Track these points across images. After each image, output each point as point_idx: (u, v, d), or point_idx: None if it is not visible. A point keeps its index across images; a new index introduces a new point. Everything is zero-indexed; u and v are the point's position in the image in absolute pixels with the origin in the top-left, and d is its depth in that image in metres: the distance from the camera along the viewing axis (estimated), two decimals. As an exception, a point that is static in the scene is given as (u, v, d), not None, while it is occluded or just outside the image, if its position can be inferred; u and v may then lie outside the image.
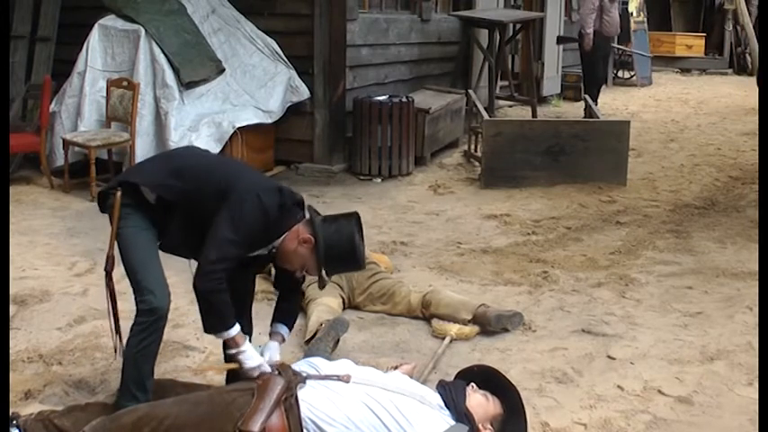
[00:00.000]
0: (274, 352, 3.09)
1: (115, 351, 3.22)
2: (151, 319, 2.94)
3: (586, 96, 9.61)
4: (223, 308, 2.89)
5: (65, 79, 7.28)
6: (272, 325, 3.24)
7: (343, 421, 2.67)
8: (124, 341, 3.06)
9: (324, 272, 2.99)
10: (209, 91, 7.16)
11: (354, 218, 3.04)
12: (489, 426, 2.89)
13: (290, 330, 3.26)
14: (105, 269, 3.10)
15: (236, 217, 2.85)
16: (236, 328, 2.92)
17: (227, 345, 2.98)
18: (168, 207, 2.97)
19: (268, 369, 2.91)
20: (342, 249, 2.95)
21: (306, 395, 2.72)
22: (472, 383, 2.99)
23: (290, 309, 3.27)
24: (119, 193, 2.97)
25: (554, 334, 4.13)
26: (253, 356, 2.93)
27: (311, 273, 3.05)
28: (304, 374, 2.81)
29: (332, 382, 2.79)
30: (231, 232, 2.84)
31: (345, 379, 2.79)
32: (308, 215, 3.03)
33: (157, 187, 2.98)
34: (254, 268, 3.22)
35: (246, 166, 3.39)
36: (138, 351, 2.95)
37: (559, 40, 12.35)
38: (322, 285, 3.12)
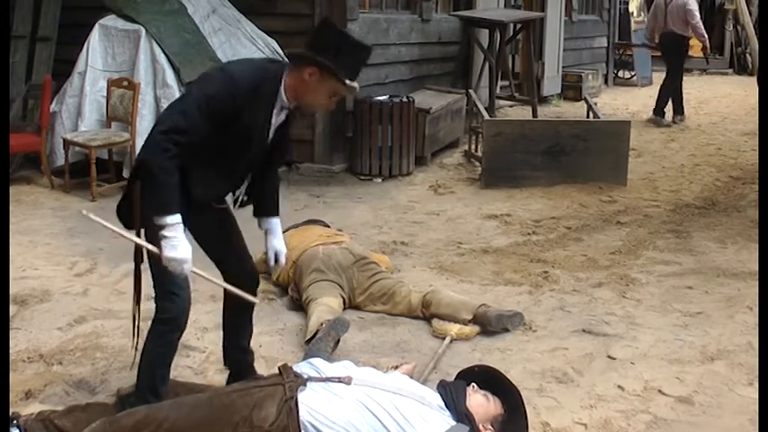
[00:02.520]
0: (279, 241, 3.17)
1: (134, 335, 3.20)
2: (169, 328, 2.92)
3: (586, 96, 9.61)
4: (166, 188, 2.74)
5: (65, 79, 7.28)
6: (261, 221, 3.21)
7: (343, 424, 2.67)
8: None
9: (347, 80, 2.83)
10: (209, 91, 7.15)
11: (327, 23, 3.01)
12: (490, 426, 2.89)
13: (277, 216, 3.22)
14: (135, 261, 3.02)
15: (194, 87, 2.83)
16: (177, 218, 2.75)
17: (160, 229, 2.76)
18: (187, 155, 2.81)
19: (189, 272, 2.81)
20: (339, 47, 2.81)
21: (306, 398, 2.72)
22: (473, 383, 2.98)
23: (270, 196, 3.20)
24: (137, 187, 2.86)
25: (554, 334, 4.13)
26: (179, 247, 2.75)
27: (340, 91, 2.89)
28: (305, 376, 2.80)
29: (333, 384, 2.78)
30: (186, 102, 2.78)
31: (347, 381, 2.78)
32: (285, 59, 2.97)
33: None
34: (283, 143, 3.07)
35: None
36: (153, 357, 2.94)
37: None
38: (352, 91, 2.94)
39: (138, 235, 2.91)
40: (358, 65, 2.89)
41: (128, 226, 2.98)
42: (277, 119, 2.94)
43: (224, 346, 3.42)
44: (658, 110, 11.12)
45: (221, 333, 3.42)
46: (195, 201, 2.91)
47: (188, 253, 2.78)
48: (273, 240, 3.22)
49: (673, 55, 11.07)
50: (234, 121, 2.80)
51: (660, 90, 11.18)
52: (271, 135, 2.96)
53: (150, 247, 2.82)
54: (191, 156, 2.80)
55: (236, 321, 3.32)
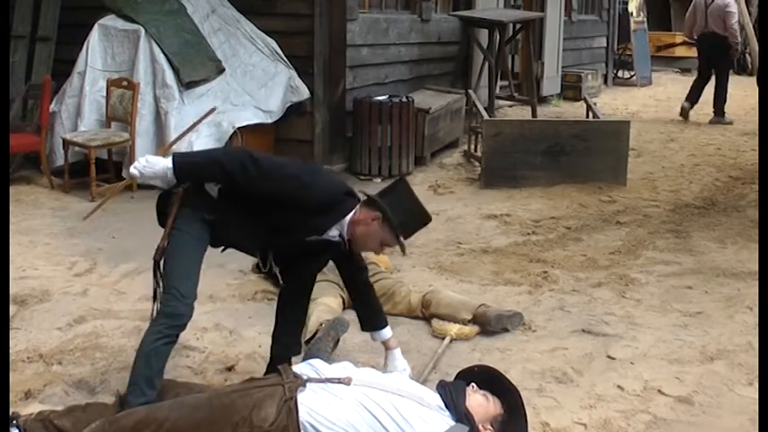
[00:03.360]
0: (400, 362, 3.38)
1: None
2: (172, 323, 2.98)
3: (586, 96, 9.62)
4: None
5: (65, 79, 7.28)
6: (373, 335, 3.45)
7: (343, 425, 2.67)
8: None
9: (401, 238, 3.11)
10: (209, 91, 7.15)
11: (403, 181, 3.30)
12: (489, 426, 2.89)
13: (387, 326, 3.44)
14: (154, 258, 3.12)
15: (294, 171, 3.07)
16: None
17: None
18: (231, 198, 3.05)
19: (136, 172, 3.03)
20: (408, 208, 3.16)
21: (305, 399, 2.72)
22: (473, 384, 2.98)
23: (374, 308, 3.46)
24: (182, 189, 3.05)
25: (554, 334, 4.13)
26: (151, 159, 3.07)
27: (390, 243, 3.14)
28: (305, 377, 2.80)
29: (332, 385, 2.78)
30: (283, 169, 3.05)
31: (346, 381, 2.78)
32: (361, 197, 3.17)
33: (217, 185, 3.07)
34: (319, 260, 3.32)
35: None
36: (152, 349, 2.98)
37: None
38: (404, 250, 3.19)
39: (165, 239, 3.08)
40: (416, 228, 3.27)
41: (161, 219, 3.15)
42: (329, 234, 3.12)
43: (273, 334, 3.50)
44: (719, 110, 11.25)
45: (273, 321, 3.51)
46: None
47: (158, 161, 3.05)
48: (394, 362, 3.41)
49: (717, 56, 11.20)
50: (304, 207, 3.01)
51: (715, 92, 11.30)
52: (313, 239, 3.12)
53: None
54: (240, 198, 3.02)
55: (287, 313, 3.46)
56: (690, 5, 11.70)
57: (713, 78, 11.42)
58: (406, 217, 3.13)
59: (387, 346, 3.43)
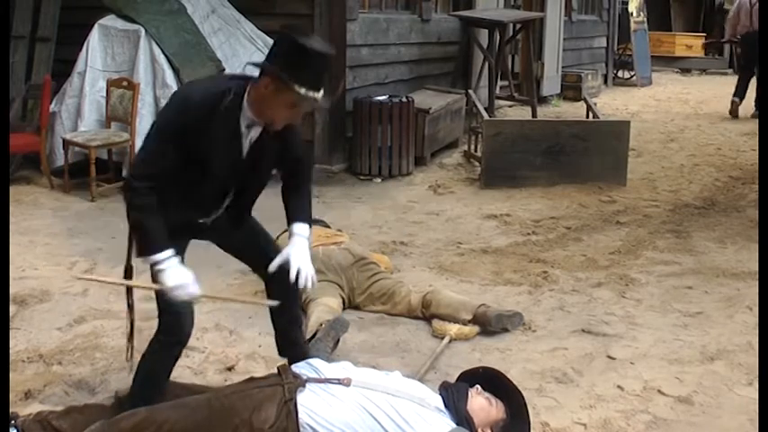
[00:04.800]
0: (299, 255, 2.90)
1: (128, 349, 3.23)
2: (174, 339, 2.91)
3: (586, 96, 9.62)
4: (145, 229, 2.75)
5: (65, 79, 7.27)
6: (289, 225, 3.00)
7: (342, 426, 2.66)
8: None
9: (297, 85, 2.62)
10: (208, 91, 7.15)
11: (288, 31, 2.73)
12: (489, 430, 2.88)
13: (310, 227, 3.03)
14: (126, 266, 3.05)
15: (156, 119, 2.86)
16: (165, 253, 2.74)
17: (153, 267, 2.78)
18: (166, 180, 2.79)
19: (196, 291, 2.77)
20: (297, 57, 2.63)
21: (305, 400, 2.71)
22: (477, 385, 2.97)
23: (302, 203, 3.05)
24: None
25: (554, 334, 4.13)
26: (175, 276, 2.74)
27: (293, 99, 2.67)
28: (304, 377, 2.80)
29: (332, 386, 2.77)
30: (148, 136, 2.77)
31: (346, 382, 2.78)
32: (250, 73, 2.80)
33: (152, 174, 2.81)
34: (264, 177, 2.98)
35: None
36: (154, 368, 2.92)
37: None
38: (313, 104, 2.75)
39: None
40: (315, 74, 2.68)
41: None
42: (249, 135, 2.82)
43: (276, 341, 3.33)
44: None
45: (272, 328, 3.31)
46: (176, 225, 2.86)
47: (187, 278, 2.76)
48: (289, 249, 2.96)
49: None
50: (191, 141, 2.72)
51: (757, 89, 11.31)
52: (245, 152, 2.84)
53: (149, 286, 2.86)
54: (162, 185, 2.76)
55: (282, 315, 3.24)
56: (734, 6, 11.96)
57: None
58: (297, 67, 2.62)
59: (293, 238, 2.98)
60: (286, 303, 3.12)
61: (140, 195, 2.73)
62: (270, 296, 3.15)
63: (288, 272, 2.93)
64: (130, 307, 3.16)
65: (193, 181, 2.82)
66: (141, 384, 2.96)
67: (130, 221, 2.80)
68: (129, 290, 3.10)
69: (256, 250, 3.12)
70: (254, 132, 2.83)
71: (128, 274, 3.06)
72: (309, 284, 2.95)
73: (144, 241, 2.79)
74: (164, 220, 2.77)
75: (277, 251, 3.06)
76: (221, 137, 2.77)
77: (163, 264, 2.74)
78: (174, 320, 2.87)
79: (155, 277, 2.79)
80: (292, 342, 3.28)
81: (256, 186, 3.03)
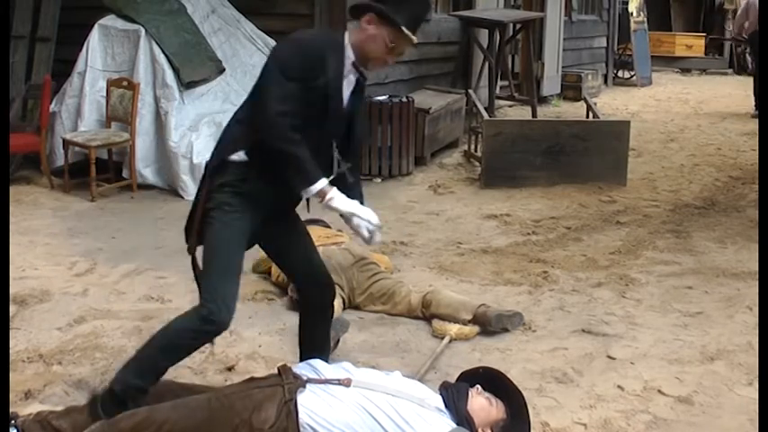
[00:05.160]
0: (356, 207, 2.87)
1: None
2: (206, 329, 2.74)
3: (586, 96, 9.62)
4: (302, 161, 2.71)
5: (65, 79, 7.28)
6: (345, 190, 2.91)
7: (342, 427, 2.66)
8: None
9: (405, 28, 2.77)
10: (209, 91, 7.16)
11: None
12: (489, 430, 2.88)
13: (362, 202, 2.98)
14: (189, 251, 2.92)
15: (269, 62, 2.76)
16: (323, 182, 2.75)
17: (319, 199, 2.78)
18: (257, 151, 2.78)
19: (373, 220, 2.79)
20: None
21: (305, 400, 2.71)
22: (477, 385, 2.97)
23: (356, 182, 3.04)
24: (205, 189, 2.81)
25: (554, 334, 4.13)
26: (344, 202, 2.79)
27: (397, 41, 2.79)
28: (304, 378, 2.80)
29: (332, 386, 2.77)
30: (271, 78, 2.72)
31: (346, 383, 2.78)
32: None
33: (235, 146, 2.81)
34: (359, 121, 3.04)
35: None
36: (173, 342, 2.78)
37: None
38: (413, 42, 2.85)
39: (195, 236, 2.86)
40: (417, 15, 2.84)
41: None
42: (347, 82, 2.87)
43: (301, 348, 3.27)
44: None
45: (297, 348, 3.28)
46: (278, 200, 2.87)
47: (352, 202, 2.82)
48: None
49: None
50: (312, 81, 2.74)
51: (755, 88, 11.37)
52: (345, 101, 2.88)
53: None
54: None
55: (314, 336, 3.20)
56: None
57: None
58: (400, 4, 2.77)
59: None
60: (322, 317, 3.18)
61: (286, 129, 2.69)
62: (306, 302, 3.18)
63: (324, 283, 3.08)
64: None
65: (311, 129, 2.77)
66: (146, 357, 2.82)
67: (283, 156, 2.71)
68: (196, 263, 2.93)
69: (302, 254, 3.12)
70: (352, 79, 2.88)
71: (191, 251, 2.93)
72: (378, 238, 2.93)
73: (304, 172, 2.74)
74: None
75: (320, 261, 3.13)
76: (332, 78, 2.80)
77: (331, 192, 2.76)
78: (219, 313, 2.72)
79: (326, 206, 2.79)
80: (318, 349, 3.21)
81: (354, 145, 3.04)
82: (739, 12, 12.29)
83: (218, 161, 2.84)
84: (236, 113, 2.93)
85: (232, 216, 2.79)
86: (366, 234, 2.84)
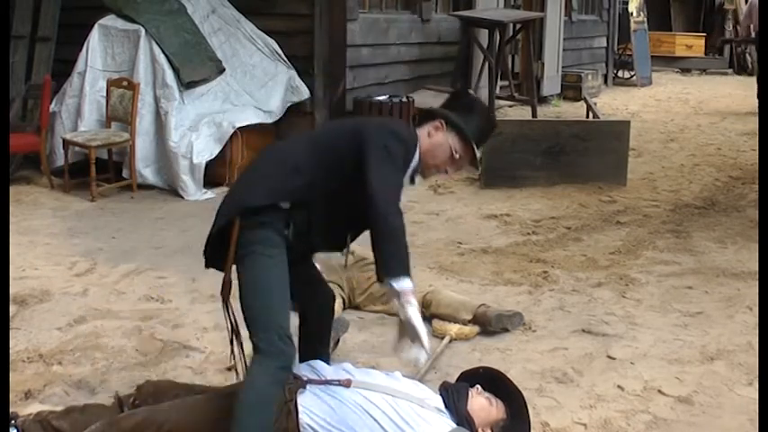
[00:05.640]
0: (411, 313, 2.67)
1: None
2: (279, 365, 2.56)
3: (586, 96, 9.63)
4: (407, 249, 2.64)
5: (65, 79, 7.28)
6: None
7: (342, 427, 2.66)
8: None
9: (473, 143, 2.81)
10: (209, 91, 7.17)
11: (463, 90, 2.95)
12: (489, 430, 2.88)
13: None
14: (222, 295, 2.81)
15: (383, 153, 2.67)
16: (411, 281, 2.60)
17: (396, 295, 2.58)
18: (305, 206, 2.71)
19: (426, 344, 2.60)
20: (472, 109, 2.85)
21: (305, 401, 2.71)
22: (477, 386, 2.97)
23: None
24: (238, 221, 2.66)
25: (554, 334, 4.13)
26: (417, 313, 2.62)
27: (463, 151, 2.83)
28: (305, 378, 2.80)
29: (332, 387, 2.77)
30: (389, 165, 2.67)
31: (346, 383, 2.77)
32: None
33: (287, 194, 2.69)
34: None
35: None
36: (261, 397, 2.54)
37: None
38: (477, 163, 2.92)
39: (229, 272, 2.74)
40: (484, 128, 2.88)
41: (212, 263, 2.84)
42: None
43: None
44: None
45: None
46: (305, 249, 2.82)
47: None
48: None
49: None
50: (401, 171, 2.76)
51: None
52: None
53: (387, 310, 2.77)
54: (323, 203, 2.71)
55: (314, 351, 3.10)
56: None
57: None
58: (470, 117, 2.82)
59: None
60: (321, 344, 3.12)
61: (401, 214, 2.66)
62: (308, 332, 3.11)
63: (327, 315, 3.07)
64: (234, 328, 2.88)
65: (351, 209, 2.77)
66: (247, 422, 2.53)
67: (395, 234, 2.63)
68: (228, 305, 2.83)
69: (311, 287, 3.08)
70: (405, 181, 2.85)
71: (225, 289, 2.81)
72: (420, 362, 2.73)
73: (404, 259, 2.63)
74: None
75: (326, 291, 3.10)
76: (404, 175, 2.81)
77: (412, 296, 2.62)
78: (283, 346, 2.56)
79: (398, 305, 2.62)
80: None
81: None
82: (744, 14, 12.32)
83: (266, 202, 2.68)
84: (289, 158, 2.78)
85: (275, 251, 2.67)
86: (412, 354, 2.66)
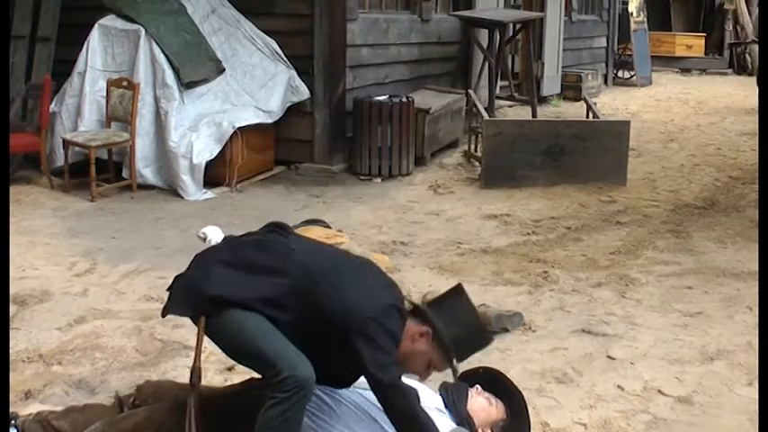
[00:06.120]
0: None
1: None
2: (295, 391, 2.45)
3: (586, 96, 9.63)
4: (427, 418, 2.54)
5: (65, 79, 7.28)
6: None
7: (342, 427, 2.66)
8: None
9: (454, 360, 2.65)
10: (209, 91, 7.16)
11: (460, 291, 2.76)
12: (489, 430, 2.88)
13: None
14: (191, 381, 2.67)
15: (380, 346, 2.49)
16: None
17: None
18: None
19: None
20: (464, 323, 2.66)
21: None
22: (477, 386, 2.97)
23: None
24: (203, 321, 2.58)
25: (554, 334, 4.13)
26: None
27: (439, 368, 2.69)
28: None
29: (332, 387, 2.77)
30: (386, 342, 2.51)
31: (346, 384, 2.77)
32: (407, 306, 2.68)
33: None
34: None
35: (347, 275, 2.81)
36: (281, 423, 2.46)
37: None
38: (456, 373, 2.78)
39: (199, 347, 2.67)
40: (472, 349, 2.73)
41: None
42: None
43: None
44: None
45: None
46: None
47: None
48: None
49: None
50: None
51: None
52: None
53: None
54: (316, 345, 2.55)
55: None
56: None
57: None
58: (461, 333, 2.63)
59: None
60: None
61: (408, 391, 2.56)
62: None
63: None
64: (194, 386, 2.71)
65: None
66: None
67: (411, 417, 2.52)
68: (194, 371, 2.70)
69: None
70: None
71: (194, 375, 2.69)
72: None
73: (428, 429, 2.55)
74: None
75: None
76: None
77: None
78: (293, 377, 2.45)
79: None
80: None
81: None
82: (753, 17, 12.29)
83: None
84: (284, 306, 2.57)
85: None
86: None
